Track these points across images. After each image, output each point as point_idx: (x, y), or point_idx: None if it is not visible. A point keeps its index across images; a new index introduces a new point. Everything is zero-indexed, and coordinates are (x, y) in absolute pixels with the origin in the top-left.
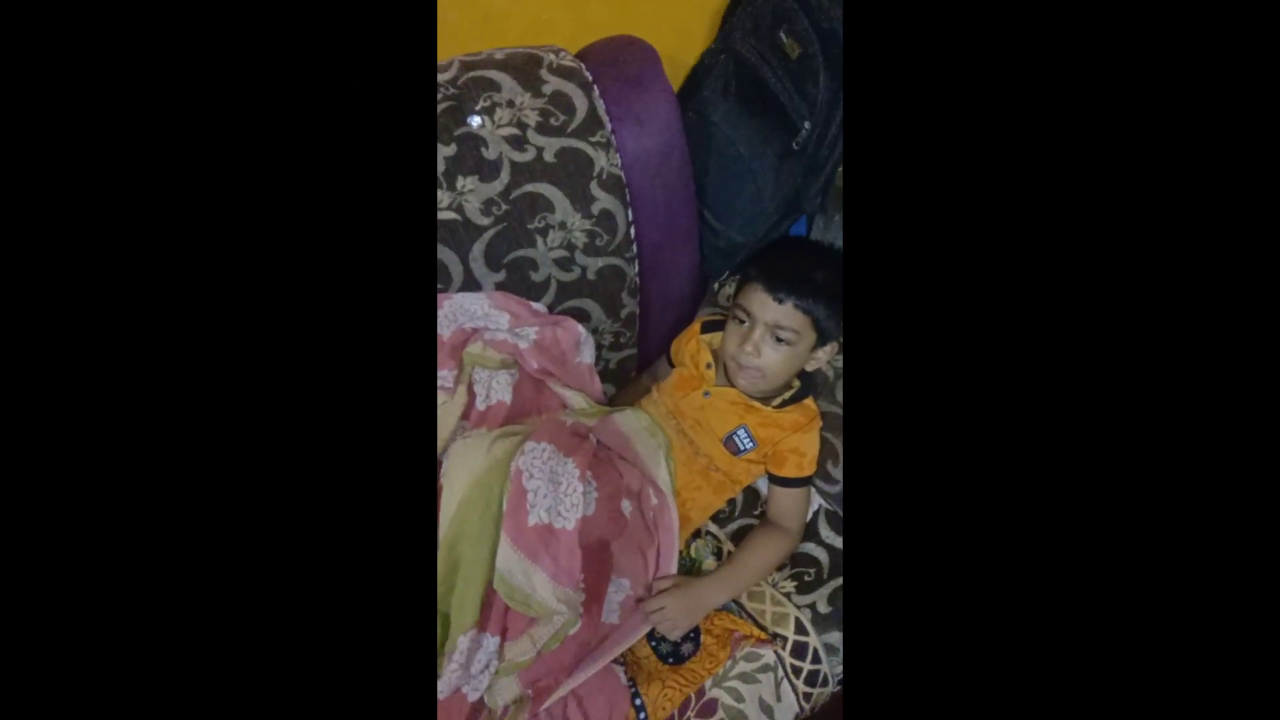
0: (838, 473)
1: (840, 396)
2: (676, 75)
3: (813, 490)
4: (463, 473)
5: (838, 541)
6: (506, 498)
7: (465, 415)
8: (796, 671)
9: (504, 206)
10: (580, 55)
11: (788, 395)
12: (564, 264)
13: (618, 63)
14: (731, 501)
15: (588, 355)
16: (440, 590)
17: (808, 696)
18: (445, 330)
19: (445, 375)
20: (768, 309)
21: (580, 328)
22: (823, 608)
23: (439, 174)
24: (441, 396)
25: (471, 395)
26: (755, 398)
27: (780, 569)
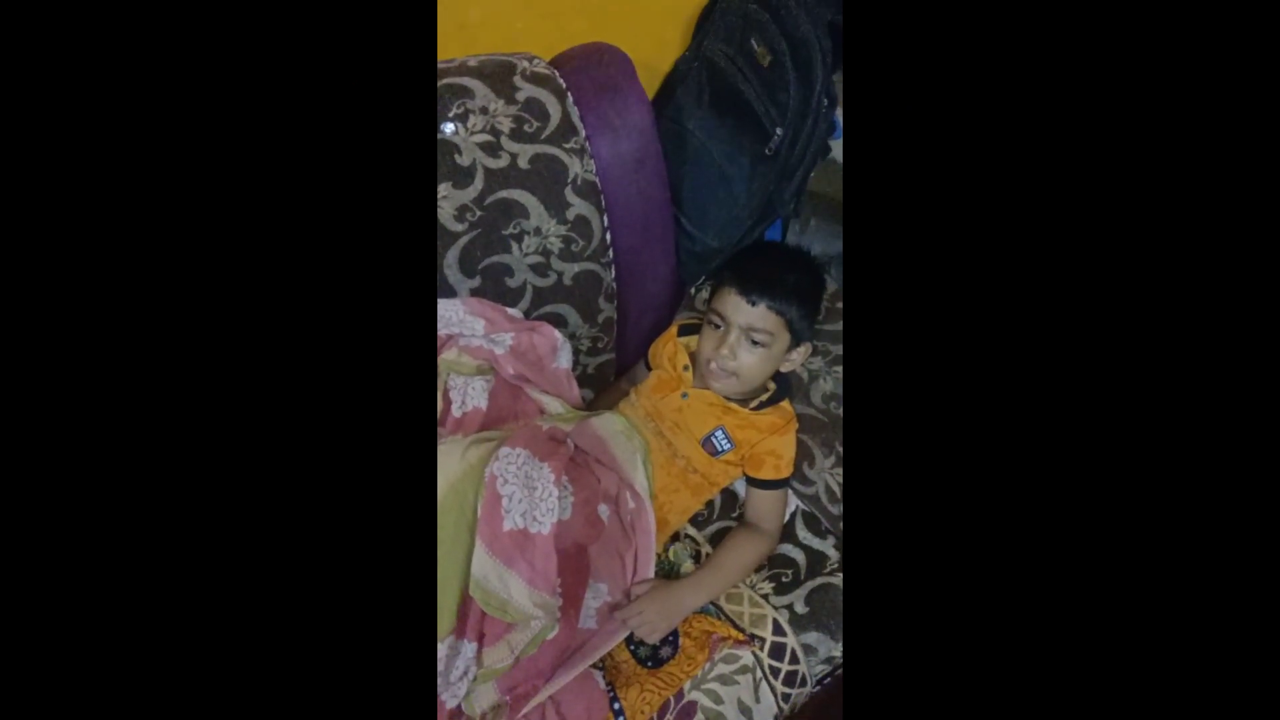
0: (814, 474)
1: (815, 399)
2: (651, 82)
3: (789, 492)
4: (438, 479)
5: (815, 542)
6: (481, 504)
7: (441, 422)
8: (775, 672)
9: (478, 213)
10: (554, 62)
11: (764, 397)
12: (540, 270)
13: (592, 69)
14: (709, 504)
15: (565, 360)
16: None
17: (786, 697)
18: None
19: None
20: (741, 312)
21: (556, 333)
22: (800, 608)
23: None
24: None
25: (447, 402)
26: (732, 400)
27: (758, 571)
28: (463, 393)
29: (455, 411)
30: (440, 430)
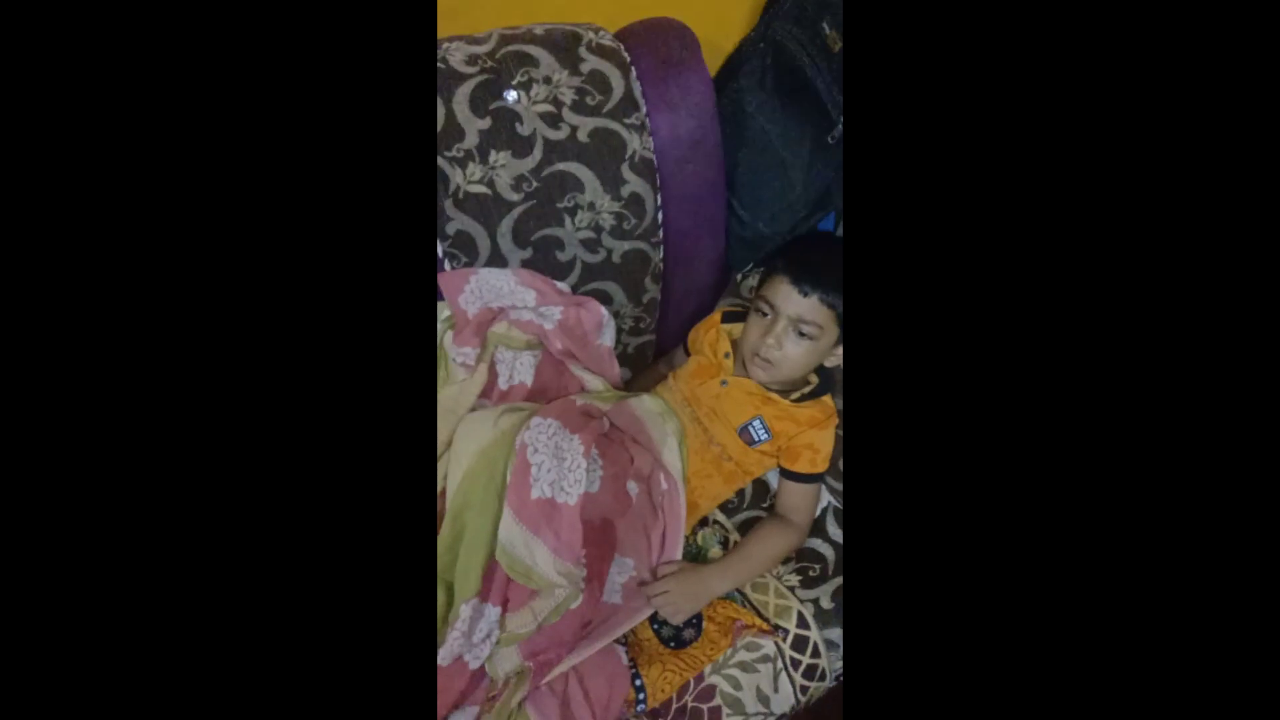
0: None
1: None
2: (713, 60)
3: (823, 487)
4: (469, 444)
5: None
6: (511, 470)
7: (486, 394)
8: (795, 664)
9: (535, 184)
10: (619, 35)
11: (806, 390)
12: (590, 245)
13: (656, 45)
14: (740, 492)
15: (608, 338)
16: (444, 560)
17: (804, 690)
18: (471, 307)
19: (468, 353)
20: (792, 302)
21: (602, 309)
22: (826, 603)
23: (473, 147)
24: (461, 374)
25: (493, 375)
26: (773, 390)
27: (786, 563)
28: (510, 367)
29: (501, 384)
30: (483, 401)
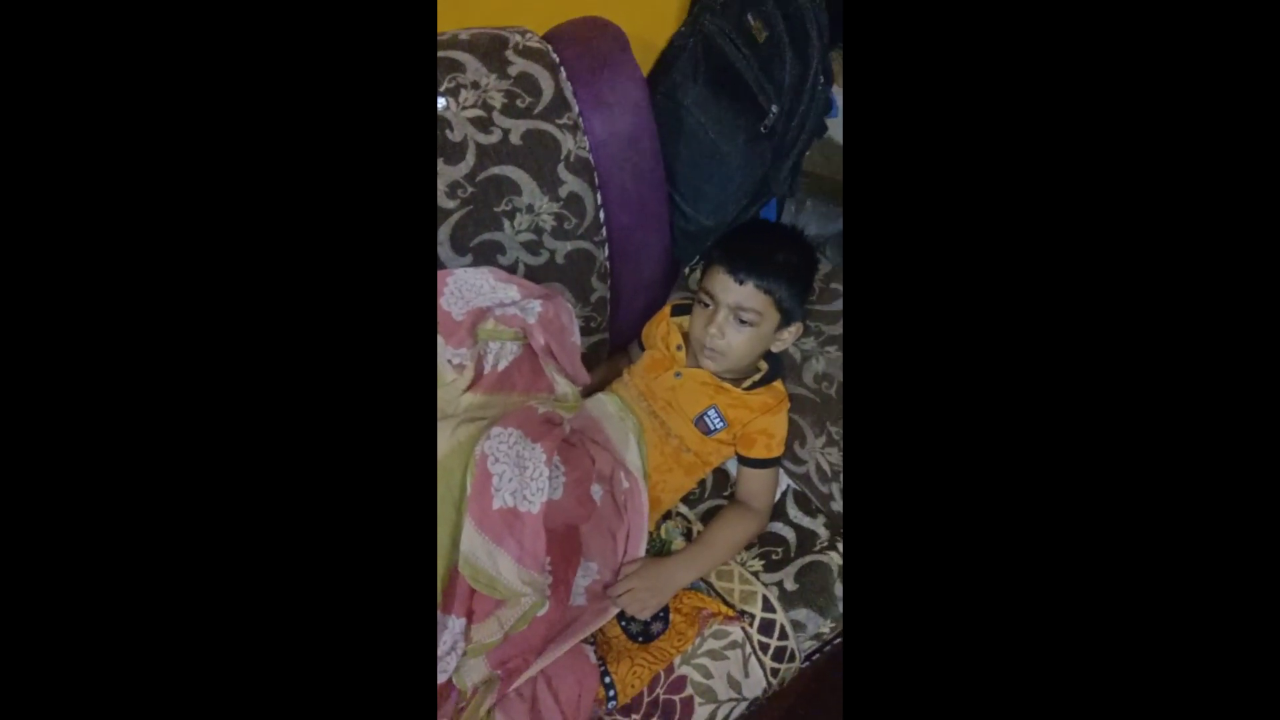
0: (805, 454)
1: (807, 379)
2: (645, 58)
3: (781, 471)
4: None
5: (805, 521)
6: (471, 481)
7: (473, 387)
8: (764, 648)
9: (470, 189)
10: (547, 37)
11: (757, 377)
12: (532, 248)
13: (586, 44)
14: (701, 483)
15: (577, 334)
16: None
17: (775, 672)
18: (455, 308)
19: (463, 354)
20: (730, 291)
21: (567, 303)
22: (790, 585)
23: None
24: (452, 374)
25: (480, 367)
26: (725, 379)
27: (749, 548)
28: (495, 355)
29: (486, 369)
30: (474, 390)
